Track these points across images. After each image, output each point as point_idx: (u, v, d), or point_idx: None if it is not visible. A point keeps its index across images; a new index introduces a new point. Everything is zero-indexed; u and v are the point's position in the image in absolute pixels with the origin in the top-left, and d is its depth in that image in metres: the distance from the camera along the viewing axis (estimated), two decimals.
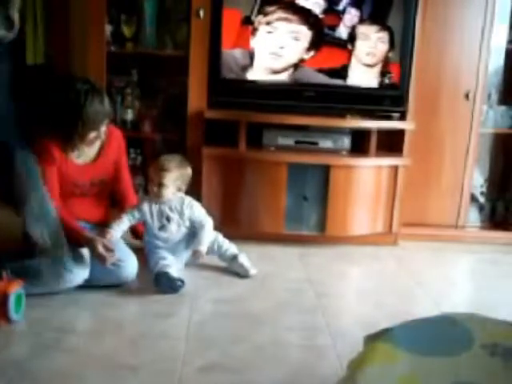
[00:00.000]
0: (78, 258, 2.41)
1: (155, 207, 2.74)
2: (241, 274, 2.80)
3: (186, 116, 3.24)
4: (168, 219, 2.75)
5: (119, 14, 3.26)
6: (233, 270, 2.83)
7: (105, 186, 2.71)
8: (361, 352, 1.42)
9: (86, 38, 3.20)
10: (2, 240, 2.17)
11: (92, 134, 2.50)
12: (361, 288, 2.89)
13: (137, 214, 2.72)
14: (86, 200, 2.64)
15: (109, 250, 2.44)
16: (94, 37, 3.18)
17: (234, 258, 2.84)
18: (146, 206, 2.73)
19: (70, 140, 2.49)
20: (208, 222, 2.79)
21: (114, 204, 2.87)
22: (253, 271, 2.81)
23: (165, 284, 2.53)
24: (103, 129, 2.53)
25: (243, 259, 2.82)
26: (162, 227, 2.75)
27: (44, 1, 3.77)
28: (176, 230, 2.77)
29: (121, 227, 2.66)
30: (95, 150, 2.63)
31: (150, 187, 2.74)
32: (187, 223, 2.78)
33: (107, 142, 2.65)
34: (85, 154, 2.60)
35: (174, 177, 2.73)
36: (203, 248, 2.71)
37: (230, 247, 2.88)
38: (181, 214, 2.76)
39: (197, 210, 2.81)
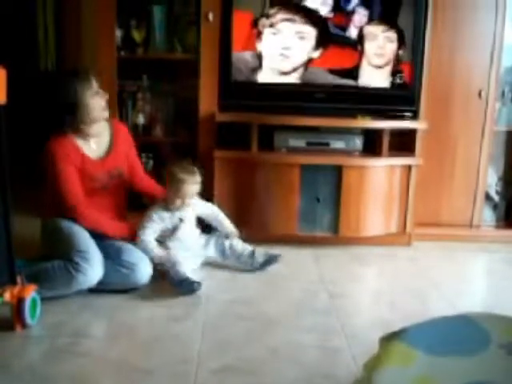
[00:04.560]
0: (91, 260, 2.42)
1: (169, 214, 2.78)
2: (267, 260, 2.87)
3: (197, 119, 3.24)
4: (181, 219, 2.78)
5: (129, 19, 3.28)
6: (254, 266, 2.88)
7: (123, 179, 2.74)
8: (377, 353, 1.41)
9: (97, 43, 3.22)
10: (18, 246, 2.18)
11: (96, 100, 2.56)
12: (375, 289, 2.87)
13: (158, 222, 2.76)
14: (107, 196, 2.67)
15: None
16: (105, 42, 3.20)
17: (252, 254, 2.89)
18: (163, 214, 2.77)
19: (80, 123, 2.56)
20: (219, 211, 2.96)
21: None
22: (248, 248, 2.90)
23: (185, 288, 2.55)
24: (101, 92, 2.60)
25: (259, 252, 2.89)
26: (176, 228, 2.77)
27: (55, 8, 3.81)
28: (189, 229, 2.82)
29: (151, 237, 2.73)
30: (105, 144, 2.69)
31: (172, 198, 2.74)
32: (194, 221, 2.87)
33: (115, 136, 2.72)
34: (98, 144, 2.66)
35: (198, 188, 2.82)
36: (231, 228, 2.92)
37: (245, 246, 2.93)
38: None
39: (199, 205, 2.88)
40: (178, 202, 2.74)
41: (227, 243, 2.91)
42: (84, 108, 2.54)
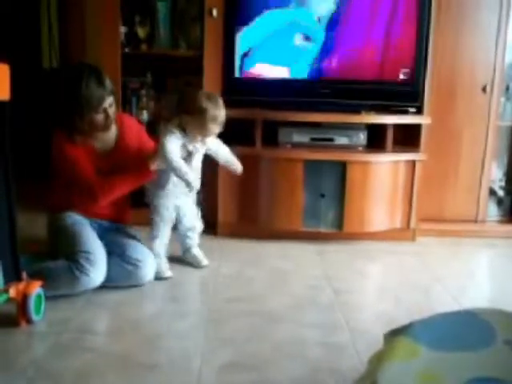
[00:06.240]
0: (95, 262, 2.40)
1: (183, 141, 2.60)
2: (193, 264, 2.85)
3: None
4: (190, 153, 2.64)
5: (133, 15, 3.28)
6: (186, 260, 2.88)
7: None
8: (381, 348, 1.41)
9: (101, 39, 3.22)
10: (23, 243, 2.19)
11: (99, 117, 2.46)
12: (379, 284, 2.87)
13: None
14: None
15: None
16: (109, 39, 3.21)
17: (189, 249, 2.88)
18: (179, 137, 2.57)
19: (77, 127, 2.47)
20: (226, 148, 2.82)
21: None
22: (205, 262, 2.86)
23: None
24: (111, 110, 2.48)
25: (196, 251, 2.88)
26: (185, 160, 2.60)
27: (58, 5, 3.81)
28: (195, 165, 2.68)
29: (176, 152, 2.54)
30: (113, 137, 2.61)
31: (193, 130, 2.58)
32: (202, 157, 2.75)
33: (122, 130, 2.62)
34: (104, 142, 2.58)
35: None
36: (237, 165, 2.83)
37: (193, 238, 2.89)
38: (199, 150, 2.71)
39: (213, 141, 2.76)
40: (199, 137, 2.62)
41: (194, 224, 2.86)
42: (91, 111, 2.42)
